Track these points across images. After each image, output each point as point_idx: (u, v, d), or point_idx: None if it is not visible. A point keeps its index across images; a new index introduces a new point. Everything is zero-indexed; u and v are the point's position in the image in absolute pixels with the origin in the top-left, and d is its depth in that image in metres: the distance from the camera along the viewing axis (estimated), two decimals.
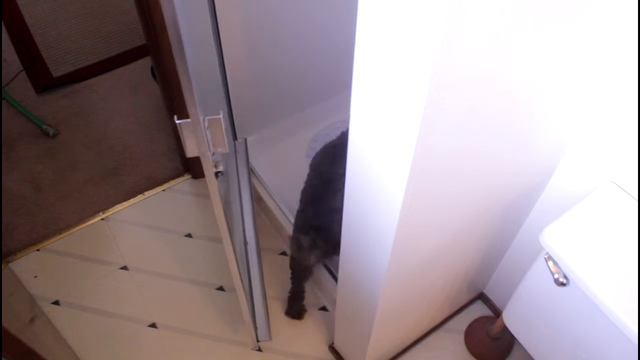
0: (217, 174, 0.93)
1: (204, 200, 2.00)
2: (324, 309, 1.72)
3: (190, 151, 0.86)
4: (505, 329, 1.43)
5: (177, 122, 0.82)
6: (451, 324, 1.68)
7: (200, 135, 0.83)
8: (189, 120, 0.81)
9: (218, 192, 0.96)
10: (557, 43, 0.72)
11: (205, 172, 0.91)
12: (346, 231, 1.06)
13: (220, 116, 0.83)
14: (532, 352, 1.30)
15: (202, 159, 0.88)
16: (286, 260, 1.83)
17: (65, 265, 1.82)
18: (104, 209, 1.96)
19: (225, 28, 1.56)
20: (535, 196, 1.23)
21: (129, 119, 2.23)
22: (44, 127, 2.16)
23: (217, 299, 1.74)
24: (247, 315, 1.41)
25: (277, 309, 1.70)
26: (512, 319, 1.33)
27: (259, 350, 1.64)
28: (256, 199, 1.86)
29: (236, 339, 1.66)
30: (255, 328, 1.52)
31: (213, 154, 0.89)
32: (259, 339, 1.55)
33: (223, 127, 0.84)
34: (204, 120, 0.82)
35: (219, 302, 1.73)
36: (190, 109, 0.78)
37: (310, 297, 1.74)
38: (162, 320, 1.70)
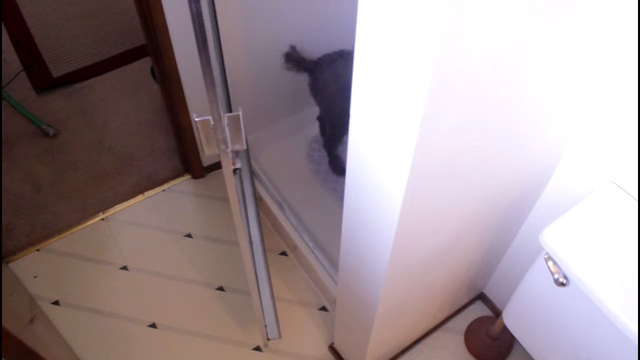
0: (234, 170, 0.93)
1: (203, 200, 2.00)
2: (324, 309, 1.72)
3: (208, 149, 0.86)
4: (505, 329, 1.43)
5: (196, 119, 0.81)
6: (451, 324, 1.68)
7: (222, 132, 0.83)
8: (207, 117, 0.81)
9: (236, 189, 0.96)
10: (557, 43, 0.72)
11: (224, 170, 0.91)
12: (346, 231, 1.06)
13: (240, 113, 0.83)
14: (532, 352, 1.30)
15: (222, 156, 0.89)
16: (287, 260, 1.83)
17: (65, 265, 1.82)
18: (104, 209, 1.96)
19: (225, 28, 1.56)
20: (535, 196, 1.23)
21: (129, 119, 2.23)
22: (44, 127, 2.16)
23: (217, 299, 1.74)
24: (259, 314, 1.42)
25: (279, 309, 1.70)
26: (512, 319, 1.33)
27: (260, 350, 1.64)
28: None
29: (236, 338, 1.66)
30: (265, 326, 1.53)
31: (232, 152, 0.89)
32: (269, 337, 1.55)
33: (242, 124, 0.84)
34: (224, 117, 0.82)
35: (219, 302, 1.74)
36: (212, 106, 0.78)
37: (310, 297, 1.74)
38: (162, 320, 1.70)
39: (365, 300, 1.15)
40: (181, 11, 1.48)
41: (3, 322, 1.12)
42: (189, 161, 1.99)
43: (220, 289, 1.76)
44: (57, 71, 2.39)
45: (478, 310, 1.70)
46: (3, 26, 2.53)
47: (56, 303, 1.74)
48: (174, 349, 1.65)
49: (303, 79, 1.93)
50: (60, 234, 1.89)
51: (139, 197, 1.99)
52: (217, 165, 2.05)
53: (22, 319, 1.49)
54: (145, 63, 2.42)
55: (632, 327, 0.88)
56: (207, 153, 0.87)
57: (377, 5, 0.61)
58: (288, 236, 1.74)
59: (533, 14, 0.63)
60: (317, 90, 1.66)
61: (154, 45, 1.57)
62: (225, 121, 0.83)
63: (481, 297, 1.72)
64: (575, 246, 0.97)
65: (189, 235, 1.89)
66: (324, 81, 1.62)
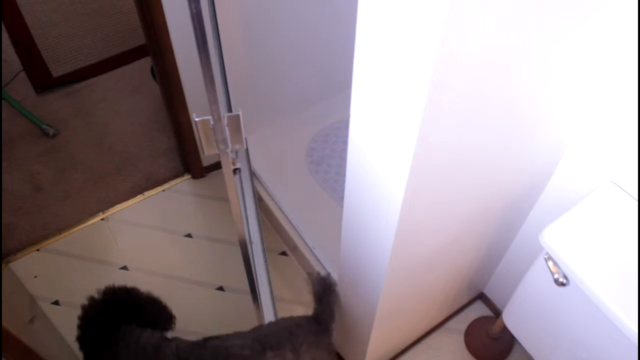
0: (234, 170, 0.93)
1: (203, 200, 2.00)
2: None
3: (208, 149, 0.86)
4: (505, 329, 1.43)
5: (196, 119, 0.82)
6: (451, 324, 1.68)
7: (221, 132, 0.83)
8: (207, 117, 0.81)
9: (236, 189, 0.96)
10: (557, 43, 0.72)
11: (224, 170, 0.91)
12: (346, 231, 1.06)
13: (240, 113, 0.83)
14: (532, 352, 1.30)
15: (222, 156, 0.89)
16: (287, 260, 1.83)
17: (65, 265, 1.82)
18: (104, 209, 1.96)
19: (225, 28, 1.56)
20: (535, 196, 1.23)
21: (129, 119, 2.23)
22: (44, 127, 2.16)
23: (217, 299, 1.74)
24: (258, 314, 1.42)
25: (278, 308, 1.70)
26: (512, 319, 1.33)
27: None
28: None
29: None
30: None
31: (231, 152, 0.89)
32: None
33: (242, 123, 0.84)
34: (224, 117, 0.83)
35: (219, 302, 1.73)
36: (211, 106, 0.79)
37: (310, 297, 1.74)
38: None
39: (365, 300, 1.15)
40: (181, 11, 1.48)
41: (3, 322, 1.12)
42: (189, 161, 1.99)
43: (220, 289, 1.76)
44: (57, 71, 2.39)
45: (478, 310, 1.70)
46: (3, 26, 2.53)
47: (56, 303, 1.73)
48: None
49: (303, 78, 1.93)
50: (60, 234, 1.89)
51: (139, 197, 1.99)
52: (217, 165, 2.05)
53: (22, 319, 1.48)
54: (145, 63, 2.42)
55: (632, 327, 0.88)
56: (207, 153, 0.88)
57: (377, 5, 0.61)
58: (288, 236, 1.74)
59: (533, 14, 0.63)
60: None
61: (154, 45, 1.57)
62: (225, 121, 0.84)
63: (481, 297, 1.72)
64: (575, 246, 0.97)
65: (189, 235, 1.89)
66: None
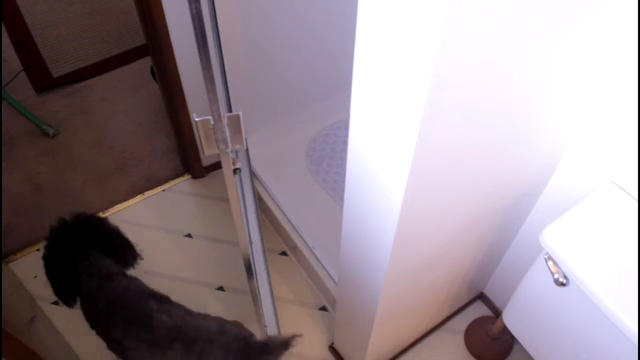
0: (235, 170, 0.93)
1: (204, 200, 2.00)
2: (324, 309, 1.72)
3: (208, 149, 0.86)
4: (505, 329, 1.43)
5: (196, 119, 0.82)
6: (451, 324, 1.68)
7: (222, 132, 0.83)
8: (207, 117, 0.81)
9: (236, 189, 0.96)
10: (557, 43, 0.72)
11: (224, 170, 0.91)
12: (346, 231, 1.06)
13: (240, 113, 0.83)
14: (532, 352, 1.30)
15: (222, 156, 0.89)
16: (287, 260, 1.83)
17: None
18: (104, 209, 1.96)
19: (225, 28, 1.56)
20: (535, 196, 1.23)
21: (129, 119, 2.23)
22: (44, 127, 2.16)
23: (217, 299, 1.74)
24: (258, 314, 1.42)
25: (278, 308, 1.70)
26: (512, 319, 1.33)
27: None
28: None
29: None
30: (265, 326, 1.52)
31: (232, 152, 0.89)
32: None
33: (242, 123, 0.84)
34: (224, 117, 0.83)
35: (219, 302, 1.73)
36: (212, 106, 0.79)
37: (310, 297, 1.74)
38: None
39: (365, 300, 1.15)
40: (181, 11, 1.48)
41: (3, 322, 1.12)
42: (189, 161, 1.99)
43: (220, 289, 1.76)
44: (57, 71, 2.39)
45: (478, 310, 1.70)
46: (3, 26, 2.53)
47: (56, 303, 1.73)
48: None
49: (303, 78, 1.93)
50: None
51: (139, 197, 1.99)
52: (217, 165, 2.05)
53: (22, 319, 1.48)
54: (145, 63, 2.42)
55: (632, 327, 0.88)
56: (207, 153, 0.88)
57: (377, 5, 0.61)
58: (288, 236, 1.74)
59: (533, 14, 0.63)
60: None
61: (154, 45, 1.57)
62: (225, 121, 0.84)
63: (481, 297, 1.72)
64: (575, 246, 0.97)
65: (189, 235, 1.89)
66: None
